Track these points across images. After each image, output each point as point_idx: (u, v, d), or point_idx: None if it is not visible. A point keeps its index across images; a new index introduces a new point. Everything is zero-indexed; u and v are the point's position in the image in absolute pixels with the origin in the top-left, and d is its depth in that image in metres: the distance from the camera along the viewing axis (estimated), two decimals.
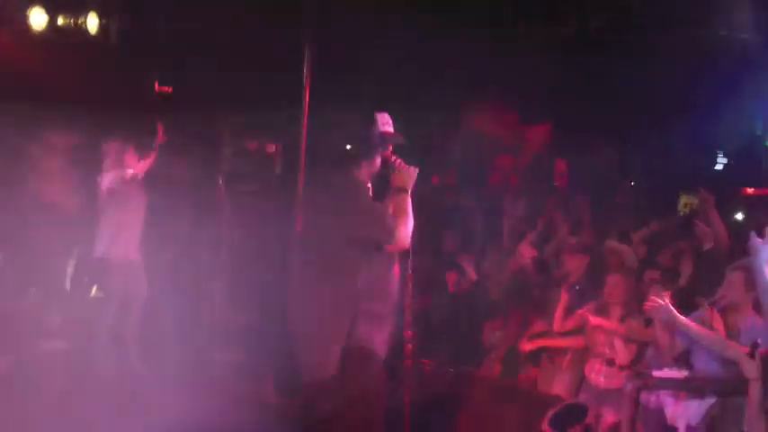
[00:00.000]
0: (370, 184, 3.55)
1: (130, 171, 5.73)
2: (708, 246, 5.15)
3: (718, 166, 9.26)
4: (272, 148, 6.98)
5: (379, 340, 3.38)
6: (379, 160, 3.51)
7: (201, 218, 6.81)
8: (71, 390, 5.52)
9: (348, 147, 3.45)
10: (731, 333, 3.84)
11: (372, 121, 3.50)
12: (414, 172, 3.52)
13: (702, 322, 3.88)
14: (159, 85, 8.63)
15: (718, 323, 3.88)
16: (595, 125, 8.77)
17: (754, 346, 3.28)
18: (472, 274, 5.54)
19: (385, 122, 3.57)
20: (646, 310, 3.91)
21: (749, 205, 7.02)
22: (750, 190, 8.22)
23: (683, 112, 8.17)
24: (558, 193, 7.29)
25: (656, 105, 8.16)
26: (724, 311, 3.91)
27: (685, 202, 7.27)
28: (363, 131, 3.47)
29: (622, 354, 4.51)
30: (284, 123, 6.97)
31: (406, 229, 3.42)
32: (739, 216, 6.39)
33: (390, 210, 3.45)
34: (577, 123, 8.86)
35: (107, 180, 5.78)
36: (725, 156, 9.18)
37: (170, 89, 8.74)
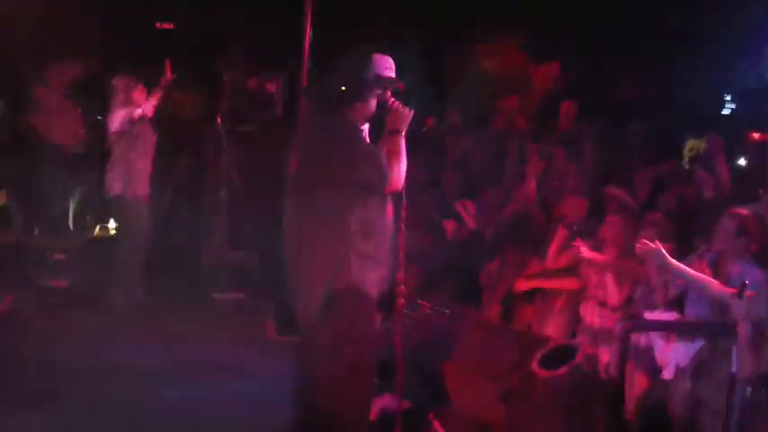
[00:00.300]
0: (365, 126, 3.53)
1: (139, 110, 5.71)
2: (708, 194, 5.11)
3: (726, 111, 9.13)
4: (272, 87, 6.91)
5: (371, 280, 3.39)
6: (374, 102, 3.47)
7: (202, 157, 6.83)
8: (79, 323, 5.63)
9: (342, 88, 3.41)
10: (721, 279, 3.84)
11: (367, 63, 3.45)
12: (409, 114, 3.49)
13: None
14: (160, 23, 8.56)
15: (707, 274, 3.88)
16: (605, 66, 8.64)
17: (743, 286, 3.27)
18: (471, 221, 5.47)
19: (385, 66, 3.53)
20: (637, 252, 3.90)
21: (755, 150, 6.91)
22: (757, 135, 8.10)
23: (692, 55, 8.03)
24: (562, 136, 7.16)
25: (665, 48, 8.01)
26: (715, 260, 3.91)
27: (691, 146, 7.18)
28: (357, 73, 3.43)
29: (614, 294, 4.52)
30: (286, 62, 6.90)
31: (400, 170, 3.42)
32: (741, 161, 6.30)
33: (384, 151, 3.44)
34: (587, 63, 8.72)
35: (117, 119, 5.78)
36: (732, 100, 9.04)
37: (171, 26, 8.66)
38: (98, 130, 7.57)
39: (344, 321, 3.34)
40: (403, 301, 3.76)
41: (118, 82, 5.93)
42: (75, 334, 5.40)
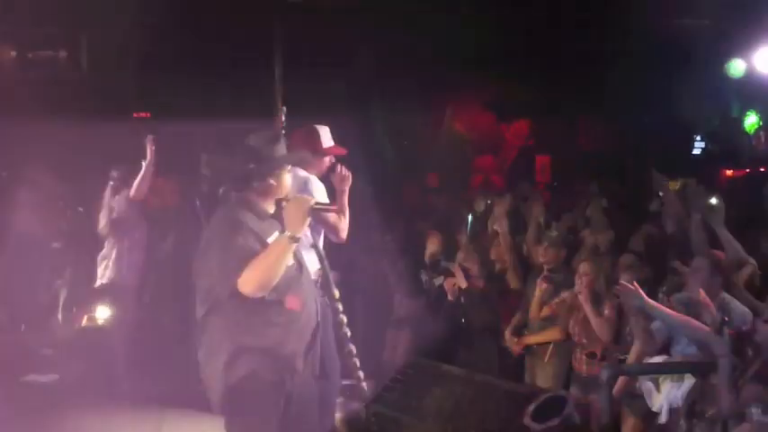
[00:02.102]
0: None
1: (132, 193, 5.79)
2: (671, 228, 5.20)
3: (697, 150, 9.33)
4: None
5: (269, 371, 3.25)
6: (285, 180, 3.29)
7: (186, 241, 6.84)
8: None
9: (251, 167, 3.20)
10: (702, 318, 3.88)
11: (274, 139, 3.32)
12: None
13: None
14: (136, 113, 8.75)
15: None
16: (573, 119, 8.86)
17: (722, 323, 3.30)
18: (462, 281, 5.44)
19: (325, 137, 4.02)
20: (617, 295, 3.94)
21: (727, 188, 7.06)
22: (729, 172, 8.27)
23: (662, 99, 8.25)
24: (539, 189, 7.30)
25: (636, 93, 8.23)
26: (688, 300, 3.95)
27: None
28: (263, 149, 3.22)
29: (599, 340, 4.52)
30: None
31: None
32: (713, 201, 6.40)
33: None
34: (556, 118, 8.93)
35: (113, 204, 5.84)
36: (702, 140, 9.24)
37: (148, 114, 8.85)
38: (79, 222, 7.65)
39: (244, 415, 3.24)
40: (364, 386, 3.56)
41: (116, 174, 6.00)
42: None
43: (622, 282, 3.94)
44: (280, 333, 3.24)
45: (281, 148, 3.31)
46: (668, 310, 3.84)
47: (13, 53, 6.12)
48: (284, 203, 3.22)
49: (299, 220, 3.17)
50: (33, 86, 6.80)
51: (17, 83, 6.47)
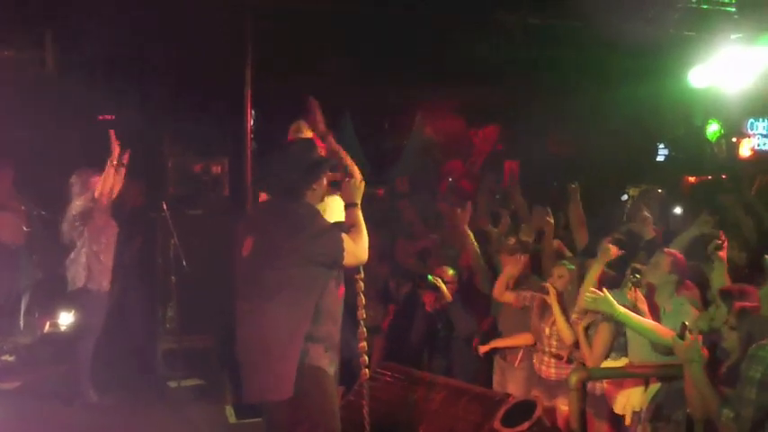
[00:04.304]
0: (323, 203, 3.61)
1: (96, 192, 5.66)
2: (649, 236, 5.31)
3: (660, 158, 9.49)
4: (218, 170, 6.96)
5: (328, 360, 3.41)
6: (324, 181, 3.56)
7: (151, 244, 6.78)
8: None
9: (290, 176, 3.46)
10: (655, 313, 3.99)
11: (311, 147, 3.57)
12: (361, 186, 3.59)
13: (628, 300, 4.01)
14: (101, 115, 8.59)
15: (642, 303, 4.01)
16: (541, 124, 8.94)
17: (683, 328, 3.36)
18: (447, 295, 5.41)
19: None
20: (585, 303, 3.99)
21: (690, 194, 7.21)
22: (692, 179, 8.44)
23: (625, 106, 8.37)
24: (508, 194, 7.33)
25: (599, 99, 8.34)
26: (648, 292, 4.07)
27: (632, 193, 7.43)
28: (304, 159, 3.51)
29: (568, 341, 4.55)
30: (229, 143, 6.98)
31: (363, 242, 3.49)
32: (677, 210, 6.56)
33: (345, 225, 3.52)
34: (524, 124, 9.02)
35: (77, 207, 5.71)
36: (665, 147, 9.41)
37: (112, 116, 8.70)
38: (40, 226, 7.51)
39: (306, 403, 3.32)
40: (367, 372, 3.75)
41: (77, 177, 5.87)
42: None
43: (591, 288, 3.99)
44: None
45: (316, 154, 3.60)
46: (634, 315, 3.90)
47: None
48: (345, 180, 3.61)
49: (359, 191, 3.59)
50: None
51: None
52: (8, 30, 5.96)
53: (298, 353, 3.30)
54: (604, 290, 3.92)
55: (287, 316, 3.31)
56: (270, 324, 3.33)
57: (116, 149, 5.71)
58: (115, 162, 5.68)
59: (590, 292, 3.93)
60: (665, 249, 4.24)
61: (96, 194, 5.70)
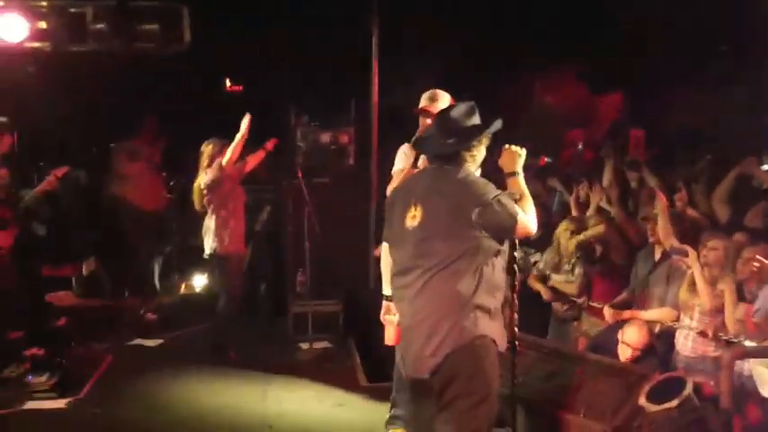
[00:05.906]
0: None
1: (224, 160, 5.92)
2: None
3: None
4: (344, 139, 7.08)
5: (495, 331, 3.35)
6: (483, 149, 3.46)
7: (284, 211, 7.01)
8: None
9: (450, 141, 3.38)
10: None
11: (473, 112, 3.45)
12: (522, 153, 3.46)
13: None
14: (230, 85, 8.90)
15: None
16: (668, 92, 8.55)
17: None
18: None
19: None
20: (746, 270, 3.81)
21: None
22: None
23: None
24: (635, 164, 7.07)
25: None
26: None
27: None
28: (466, 122, 3.41)
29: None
30: (355, 114, 7.09)
31: (532, 212, 3.38)
32: None
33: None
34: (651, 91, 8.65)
35: (207, 176, 5.99)
36: None
37: (240, 87, 8.99)
38: (178, 193, 7.91)
39: (475, 375, 3.28)
40: (518, 344, 3.64)
41: (206, 147, 6.13)
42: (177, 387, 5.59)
43: (758, 257, 3.81)
44: None
45: (478, 119, 3.49)
46: None
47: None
48: (504, 148, 3.52)
49: (520, 159, 3.49)
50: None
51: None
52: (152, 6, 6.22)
53: (469, 323, 3.25)
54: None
55: (459, 286, 3.25)
56: (441, 294, 3.28)
57: (247, 120, 5.92)
58: (245, 132, 5.90)
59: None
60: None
61: (224, 163, 5.93)
